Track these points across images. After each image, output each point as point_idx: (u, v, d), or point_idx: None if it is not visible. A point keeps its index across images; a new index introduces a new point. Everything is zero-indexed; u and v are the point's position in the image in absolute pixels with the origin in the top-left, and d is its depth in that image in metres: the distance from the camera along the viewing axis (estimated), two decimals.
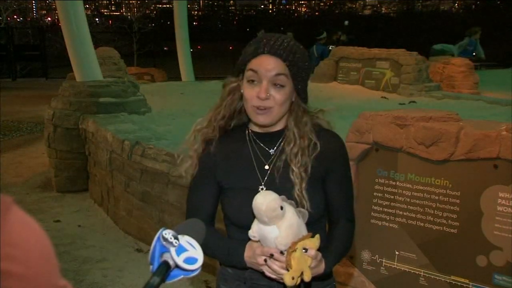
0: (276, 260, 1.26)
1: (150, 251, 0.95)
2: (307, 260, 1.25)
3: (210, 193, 1.47)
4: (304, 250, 1.25)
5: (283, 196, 1.31)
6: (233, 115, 1.47)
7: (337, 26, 11.95)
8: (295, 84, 1.37)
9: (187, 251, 0.94)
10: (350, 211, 1.49)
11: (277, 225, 1.26)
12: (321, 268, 1.31)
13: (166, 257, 0.93)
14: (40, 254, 0.61)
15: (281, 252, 1.26)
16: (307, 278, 1.25)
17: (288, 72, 1.35)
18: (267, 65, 1.34)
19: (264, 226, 1.28)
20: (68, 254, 3.93)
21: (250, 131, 1.46)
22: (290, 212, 1.29)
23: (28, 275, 0.58)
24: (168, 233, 0.95)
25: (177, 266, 0.93)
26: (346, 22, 12.04)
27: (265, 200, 1.26)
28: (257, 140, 1.45)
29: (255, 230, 1.31)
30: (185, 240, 0.96)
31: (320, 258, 1.29)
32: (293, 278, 1.22)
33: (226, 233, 1.53)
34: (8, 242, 0.56)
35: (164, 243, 0.93)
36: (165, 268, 0.92)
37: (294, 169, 1.37)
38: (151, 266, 0.94)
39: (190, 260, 0.94)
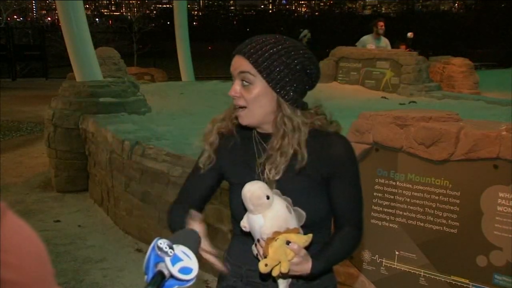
0: (260, 245, 1.28)
1: (145, 261, 0.94)
2: (288, 253, 1.25)
3: (205, 181, 1.50)
4: (287, 243, 1.25)
5: (276, 190, 1.33)
6: None
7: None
8: (268, 81, 1.35)
9: (182, 261, 0.93)
10: (357, 218, 1.45)
11: (263, 214, 1.27)
12: (307, 267, 1.30)
13: (161, 266, 0.92)
14: (35, 260, 0.60)
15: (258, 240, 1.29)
16: (283, 269, 1.25)
17: (254, 70, 1.34)
18: (233, 64, 1.39)
19: (252, 215, 1.29)
20: (68, 254, 3.93)
21: (255, 130, 1.48)
22: (279, 204, 1.29)
23: (23, 282, 0.58)
24: (163, 243, 0.94)
25: (172, 276, 0.92)
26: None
27: (251, 187, 1.28)
28: (261, 140, 1.46)
29: (245, 221, 1.33)
30: (180, 249, 0.95)
31: (304, 254, 1.28)
32: (266, 265, 1.23)
33: (232, 231, 1.55)
34: (3, 249, 0.56)
35: (159, 252, 0.93)
36: (160, 278, 0.91)
37: (267, 169, 1.38)
38: (145, 276, 0.93)
39: (185, 270, 0.93)
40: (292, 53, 1.37)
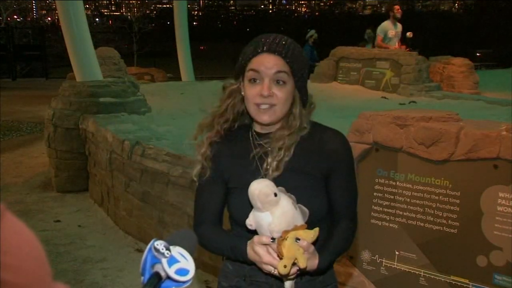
0: (271, 248, 1.28)
1: (141, 262, 0.94)
2: (299, 248, 1.26)
3: (217, 193, 1.48)
4: (296, 240, 1.26)
5: (281, 188, 1.33)
6: (236, 118, 1.49)
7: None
8: (296, 81, 1.39)
9: (178, 262, 0.93)
10: (352, 211, 1.49)
11: (271, 212, 1.28)
12: (314, 263, 1.31)
13: (157, 268, 0.92)
14: (34, 261, 0.60)
15: (272, 239, 1.28)
16: (301, 264, 1.25)
17: (288, 69, 1.36)
18: (268, 63, 1.36)
19: (259, 213, 1.30)
20: (68, 254, 3.93)
21: (253, 131, 1.48)
22: (285, 201, 1.30)
23: (22, 283, 0.58)
24: (160, 244, 0.94)
25: (168, 277, 0.92)
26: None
27: (258, 185, 1.29)
28: (260, 140, 1.45)
29: (251, 219, 1.34)
30: (177, 251, 0.95)
31: (312, 251, 1.29)
32: (285, 266, 1.23)
33: (232, 232, 1.54)
34: (3, 250, 0.56)
35: (155, 253, 0.92)
36: (156, 280, 0.91)
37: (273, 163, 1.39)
38: (142, 278, 0.93)
39: (182, 272, 0.93)
40: (304, 55, 1.43)
